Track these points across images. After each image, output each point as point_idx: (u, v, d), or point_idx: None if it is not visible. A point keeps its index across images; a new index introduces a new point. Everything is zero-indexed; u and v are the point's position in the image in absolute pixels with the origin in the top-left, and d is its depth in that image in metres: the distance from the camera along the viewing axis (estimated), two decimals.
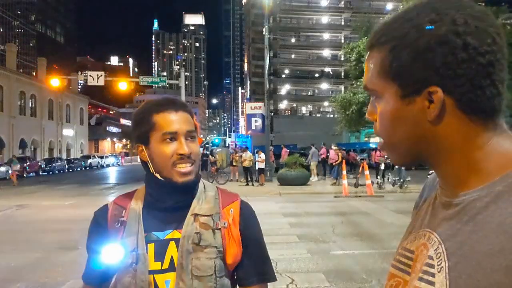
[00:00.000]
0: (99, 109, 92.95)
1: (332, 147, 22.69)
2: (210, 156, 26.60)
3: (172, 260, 1.35)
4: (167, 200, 1.40)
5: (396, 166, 15.94)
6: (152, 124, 1.38)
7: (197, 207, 1.40)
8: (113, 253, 1.34)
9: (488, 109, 0.70)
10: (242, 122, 78.03)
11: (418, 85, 0.71)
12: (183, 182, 1.37)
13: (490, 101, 0.70)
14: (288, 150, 27.77)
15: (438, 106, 0.70)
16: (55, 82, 24.62)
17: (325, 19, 69.20)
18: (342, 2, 67.59)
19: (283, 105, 68.51)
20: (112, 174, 40.81)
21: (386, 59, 0.74)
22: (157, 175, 1.39)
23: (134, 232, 1.36)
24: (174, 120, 1.37)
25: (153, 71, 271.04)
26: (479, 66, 0.68)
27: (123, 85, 24.69)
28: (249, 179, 22.09)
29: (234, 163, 24.77)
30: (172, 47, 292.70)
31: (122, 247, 1.34)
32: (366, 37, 29.66)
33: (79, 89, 75.97)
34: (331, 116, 57.73)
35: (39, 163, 40.48)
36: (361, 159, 25.85)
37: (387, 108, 0.75)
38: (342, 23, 66.99)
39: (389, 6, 58.49)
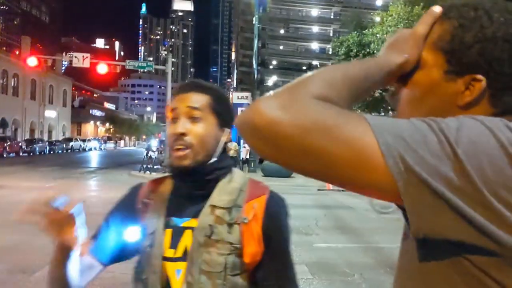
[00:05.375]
0: (83, 91, 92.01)
1: None
2: None
3: (186, 249, 1.28)
4: (182, 188, 1.36)
5: None
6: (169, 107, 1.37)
7: (216, 198, 1.31)
8: (133, 233, 1.33)
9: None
10: None
11: (467, 67, 0.73)
12: (178, 167, 1.30)
13: None
14: None
15: (476, 94, 0.73)
16: (33, 61, 23.44)
17: (315, 12, 69.18)
18: None
19: None
20: (94, 158, 40.37)
21: (447, 33, 0.75)
22: (170, 160, 1.36)
23: (156, 215, 1.32)
24: (179, 99, 1.34)
25: (139, 56, 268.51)
26: None
27: (108, 68, 24.31)
28: None
29: None
30: (159, 32, 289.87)
31: (143, 228, 1.33)
32: (355, 32, 29.66)
33: (63, 70, 74.86)
34: None
35: (20, 144, 39.84)
36: None
37: (426, 78, 0.77)
38: (332, 16, 67.07)
39: (379, 1, 58.59)
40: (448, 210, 0.60)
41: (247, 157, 22.23)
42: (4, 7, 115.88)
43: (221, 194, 1.33)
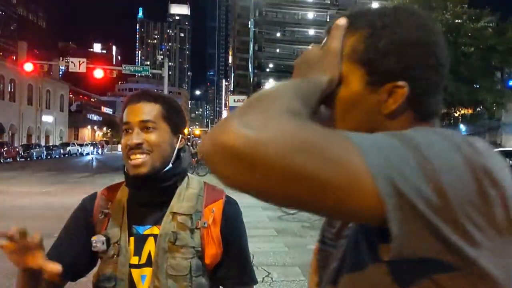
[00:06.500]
0: (80, 96, 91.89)
1: None
2: (191, 147, 26.53)
3: (149, 255, 1.35)
4: (140, 196, 1.40)
5: None
6: (121, 117, 1.41)
7: (176, 205, 1.37)
8: (97, 244, 1.34)
9: (432, 113, 0.76)
10: (225, 114, 78.26)
11: (387, 76, 0.71)
12: (134, 175, 1.34)
13: (435, 107, 0.76)
14: None
15: (400, 101, 0.72)
16: (29, 66, 23.46)
17: (310, 15, 69.36)
18: None
19: None
20: (91, 162, 40.34)
21: (360, 43, 0.73)
22: (126, 169, 1.40)
23: (118, 224, 1.37)
24: (131, 111, 1.37)
25: (137, 60, 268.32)
26: (438, 75, 0.74)
27: (104, 73, 24.35)
28: None
29: None
30: (156, 36, 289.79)
31: (105, 238, 1.35)
32: None
33: (60, 75, 74.80)
34: None
35: (17, 149, 39.81)
36: None
37: (347, 92, 0.74)
38: (328, 19, 67.12)
39: (375, 4, 58.83)
40: (428, 231, 0.58)
41: None
42: (1, 12, 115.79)
43: (180, 200, 1.38)
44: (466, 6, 26.19)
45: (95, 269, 1.44)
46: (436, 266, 0.61)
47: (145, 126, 1.35)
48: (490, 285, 0.61)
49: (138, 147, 1.33)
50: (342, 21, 0.76)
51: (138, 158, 1.33)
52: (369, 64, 0.72)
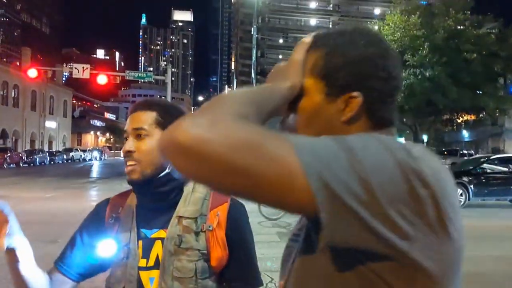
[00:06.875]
0: (83, 102, 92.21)
1: None
2: None
3: (157, 258, 1.38)
4: (146, 201, 1.45)
5: None
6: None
7: (182, 208, 1.41)
8: (108, 247, 1.40)
9: (388, 121, 0.85)
10: None
11: (342, 88, 0.81)
12: (128, 181, 1.41)
13: (389, 115, 0.85)
14: None
15: (355, 109, 0.81)
16: (33, 72, 23.44)
17: (313, 21, 69.58)
18: (331, 5, 68.06)
19: None
20: (94, 168, 40.41)
21: (320, 60, 0.84)
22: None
23: (128, 228, 1.41)
24: (129, 120, 1.43)
25: (140, 66, 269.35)
26: (390, 86, 0.83)
27: (108, 79, 24.41)
28: None
29: None
30: (159, 42, 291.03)
31: (116, 242, 1.40)
32: None
33: (63, 81, 75.09)
34: None
35: (20, 155, 39.92)
36: None
37: (310, 103, 0.84)
38: (330, 26, 67.36)
39: (377, 11, 58.96)
40: (357, 222, 0.65)
41: None
42: (5, 18, 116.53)
43: (186, 204, 1.41)
44: (469, 12, 26.24)
45: (107, 272, 1.47)
46: (372, 256, 0.68)
47: (137, 134, 1.39)
48: (424, 277, 0.68)
49: (128, 154, 1.39)
50: (307, 39, 0.89)
51: (129, 165, 1.39)
52: (327, 77, 0.83)
